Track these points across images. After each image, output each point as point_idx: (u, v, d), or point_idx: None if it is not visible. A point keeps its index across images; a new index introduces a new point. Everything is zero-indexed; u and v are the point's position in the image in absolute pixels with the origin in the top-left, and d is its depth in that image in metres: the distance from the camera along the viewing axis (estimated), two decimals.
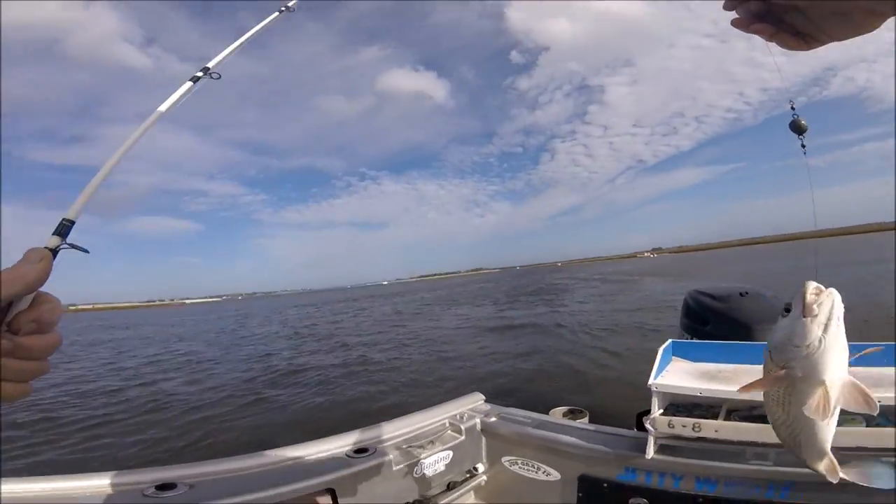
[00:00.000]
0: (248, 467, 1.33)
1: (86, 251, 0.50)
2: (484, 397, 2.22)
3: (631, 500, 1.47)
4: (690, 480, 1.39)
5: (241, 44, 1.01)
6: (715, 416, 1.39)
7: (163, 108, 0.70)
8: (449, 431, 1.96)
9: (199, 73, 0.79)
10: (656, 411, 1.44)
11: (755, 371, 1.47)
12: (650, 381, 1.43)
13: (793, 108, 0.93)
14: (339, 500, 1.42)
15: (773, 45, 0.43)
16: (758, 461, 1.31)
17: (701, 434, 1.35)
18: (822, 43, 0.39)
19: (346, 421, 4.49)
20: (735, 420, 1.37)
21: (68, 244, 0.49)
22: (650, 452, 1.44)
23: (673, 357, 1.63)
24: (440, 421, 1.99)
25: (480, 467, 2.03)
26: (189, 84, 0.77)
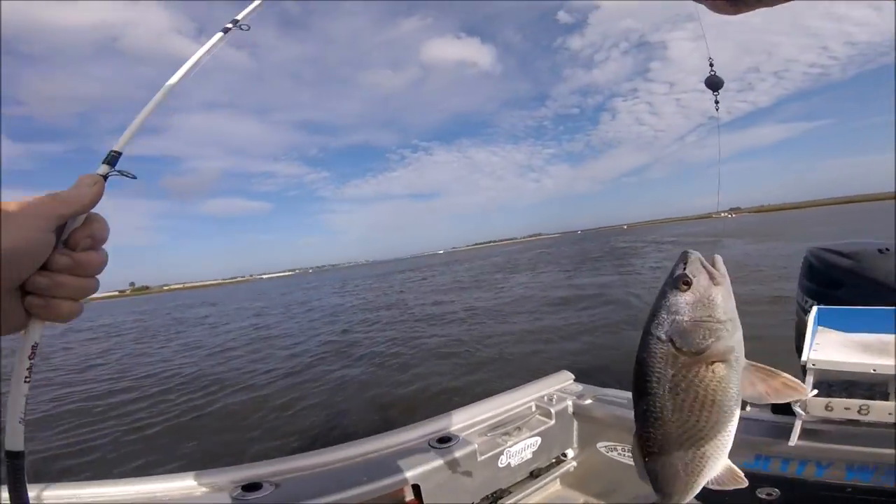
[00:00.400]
0: (330, 462, 1.27)
1: (133, 177, 0.52)
2: (573, 376, 2.01)
3: (758, 491, 1.26)
4: (839, 468, 1.15)
5: None
6: (881, 397, 1.10)
7: (197, 55, 0.71)
8: (537, 416, 1.79)
9: (230, 25, 0.83)
10: (810, 392, 1.15)
11: None
12: (804, 357, 1.14)
13: (711, 66, 0.92)
14: (424, 494, 1.33)
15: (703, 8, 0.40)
16: None
17: (869, 417, 1.06)
18: (750, 7, 0.37)
19: (426, 403, 4.47)
20: None
21: (117, 171, 0.51)
22: (794, 439, 1.18)
23: (819, 327, 1.31)
24: (526, 404, 1.82)
25: (570, 453, 1.87)
26: (220, 34, 0.80)
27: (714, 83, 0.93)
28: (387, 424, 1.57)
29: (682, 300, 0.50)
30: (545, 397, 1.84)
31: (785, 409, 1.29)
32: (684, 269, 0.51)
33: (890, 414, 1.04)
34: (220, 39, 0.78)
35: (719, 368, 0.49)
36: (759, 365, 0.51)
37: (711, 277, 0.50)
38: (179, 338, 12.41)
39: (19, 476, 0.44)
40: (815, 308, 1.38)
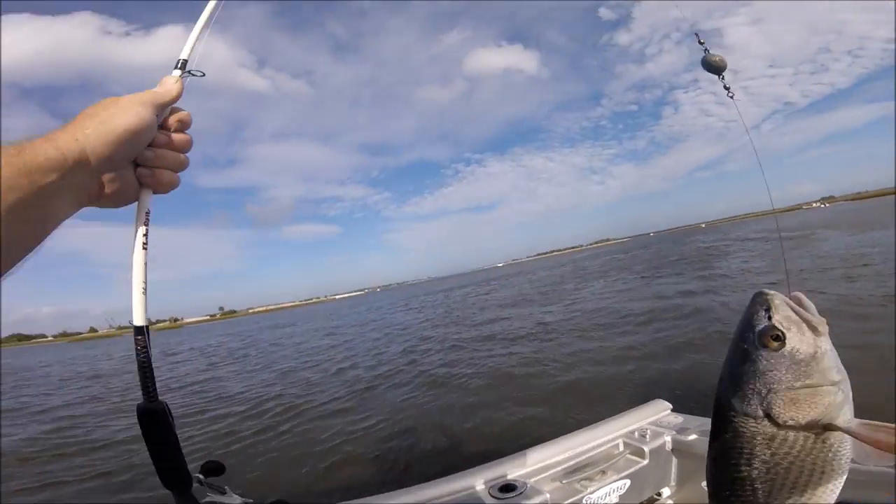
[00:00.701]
0: None
1: (202, 74, 0.59)
2: (670, 406, 1.65)
3: None
4: None
5: None
6: None
7: None
8: (626, 455, 1.47)
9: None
10: None
11: None
12: None
13: (701, 43, 0.79)
14: None
15: None
16: None
17: None
18: None
19: (492, 439, 3.97)
20: None
21: (188, 72, 0.58)
22: None
23: None
24: (613, 441, 1.51)
25: (666, 491, 1.53)
26: None
27: (711, 64, 0.78)
28: (446, 465, 1.33)
29: (778, 362, 0.36)
30: (636, 432, 1.52)
31: None
32: (769, 318, 0.38)
33: None
34: None
35: (832, 437, 0.38)
36: (871, 423, 0.37)
37: (810, 326, 0.38)
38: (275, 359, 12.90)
39: (145, 351, 0.52)
40: None
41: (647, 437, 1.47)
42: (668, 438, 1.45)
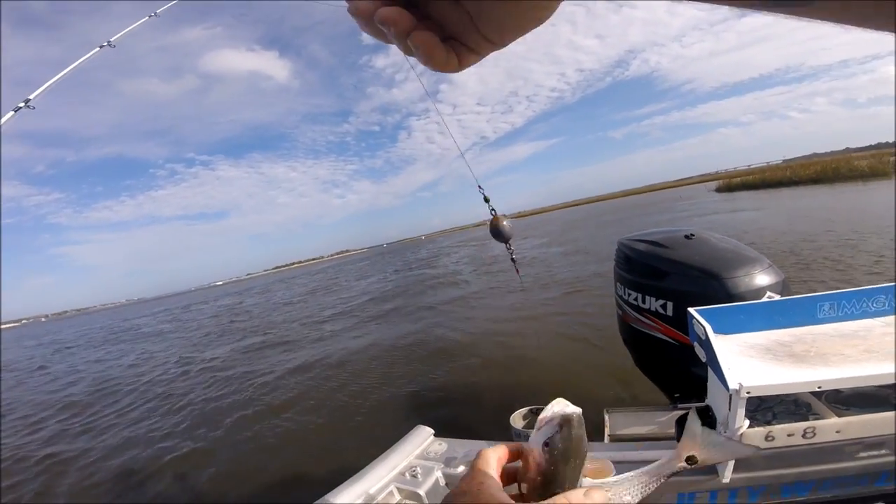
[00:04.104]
0: None
1: None
2: (432, 430, 1.54)
3: None
4: (775, 490, 1.05)
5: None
6: (806, 411, 1.00)
7: None
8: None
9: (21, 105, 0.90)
10: (742, 422, 0.95)
11: (844, 333, 1.03)
12: (732, 385, 0.93)
13: (487, 201, 0.95)
14: None
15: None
16: (870, 453, 0.95)
17: (815, 439, 0.93)
18: (478, 52, 0.27)
19: None
20: (838, 409, 0.99)
21: None
22: (727, 475, 0.99)
23: (716, 336, 1.15)
24: (386, 488, 1.25)
25: None
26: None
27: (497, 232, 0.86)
28: None
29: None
30: (407, 472, 1.31)
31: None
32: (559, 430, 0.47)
33: (838, 432, 0.92)
34: None
35: None
36: None
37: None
38: None
39: None
40: (696, 314, 1.20)
41: (419, 475, 1.30)
42: (439, 474, 1.32)
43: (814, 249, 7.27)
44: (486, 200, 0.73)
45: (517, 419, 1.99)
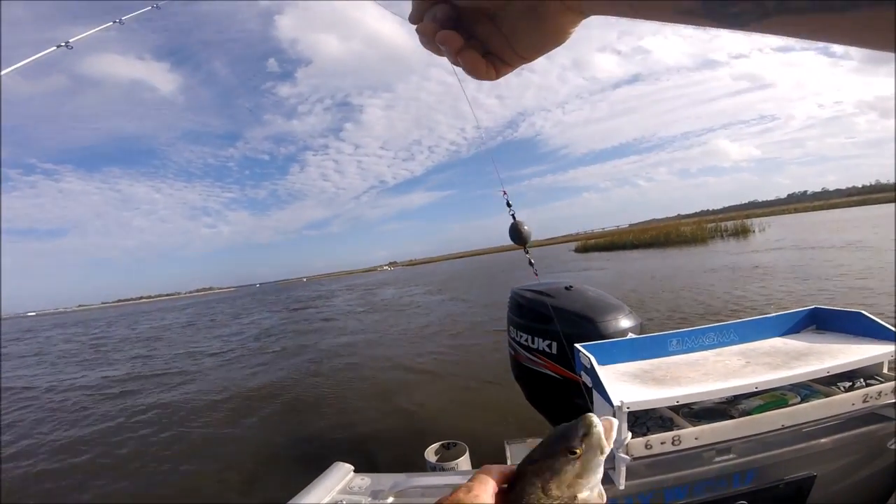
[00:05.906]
0: None
1: None
2: (352, 466, 1.52)
3: None
4: (659, 495, 1.25)
5: None
6: (671, 424, 1.29)
7: None
8: None
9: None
10: (626, 434, 1.20)
11: (689, 362, 1.46)
12: (616, 402, 1.18)
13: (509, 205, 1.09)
14: None
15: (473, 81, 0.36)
16: (722, 457, 1.26)
17: (681, 446, 1.20)
18: (511, 65, 0.34)
19: None
20: (693, 421, 1.30)
21: None
22: (622, 482, 1.21)
23: (598, 364, 1.46)
24: None
25: None
26: None
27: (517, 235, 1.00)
28: None
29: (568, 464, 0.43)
30: None
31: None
32: (581, 437, 0.44)
33: (696, 438, 1.21)
34: None
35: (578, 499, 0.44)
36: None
37: (602, 450, 0.44)
38: None
39: None
40: (580, 347, 1.49)
41: None
42: None
43: (651, 297, 9.10)
44: (509, 205, 0.84)
45: (430, 453, 2.04)
